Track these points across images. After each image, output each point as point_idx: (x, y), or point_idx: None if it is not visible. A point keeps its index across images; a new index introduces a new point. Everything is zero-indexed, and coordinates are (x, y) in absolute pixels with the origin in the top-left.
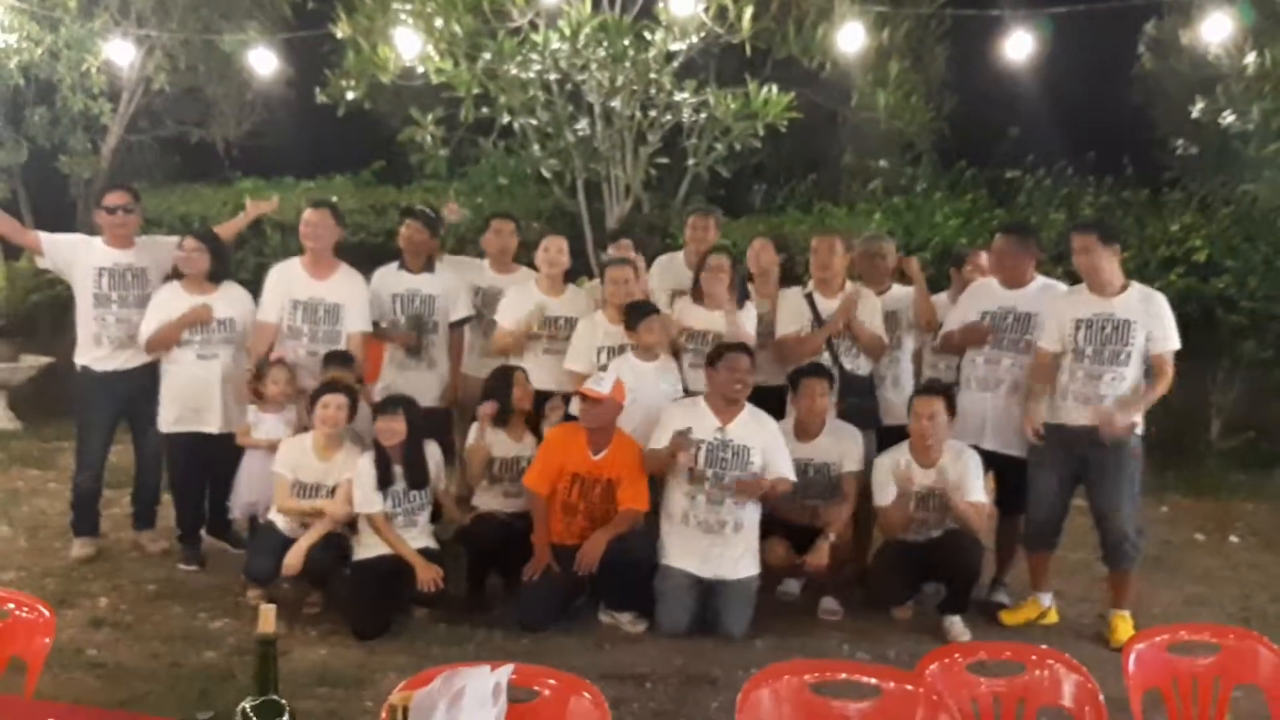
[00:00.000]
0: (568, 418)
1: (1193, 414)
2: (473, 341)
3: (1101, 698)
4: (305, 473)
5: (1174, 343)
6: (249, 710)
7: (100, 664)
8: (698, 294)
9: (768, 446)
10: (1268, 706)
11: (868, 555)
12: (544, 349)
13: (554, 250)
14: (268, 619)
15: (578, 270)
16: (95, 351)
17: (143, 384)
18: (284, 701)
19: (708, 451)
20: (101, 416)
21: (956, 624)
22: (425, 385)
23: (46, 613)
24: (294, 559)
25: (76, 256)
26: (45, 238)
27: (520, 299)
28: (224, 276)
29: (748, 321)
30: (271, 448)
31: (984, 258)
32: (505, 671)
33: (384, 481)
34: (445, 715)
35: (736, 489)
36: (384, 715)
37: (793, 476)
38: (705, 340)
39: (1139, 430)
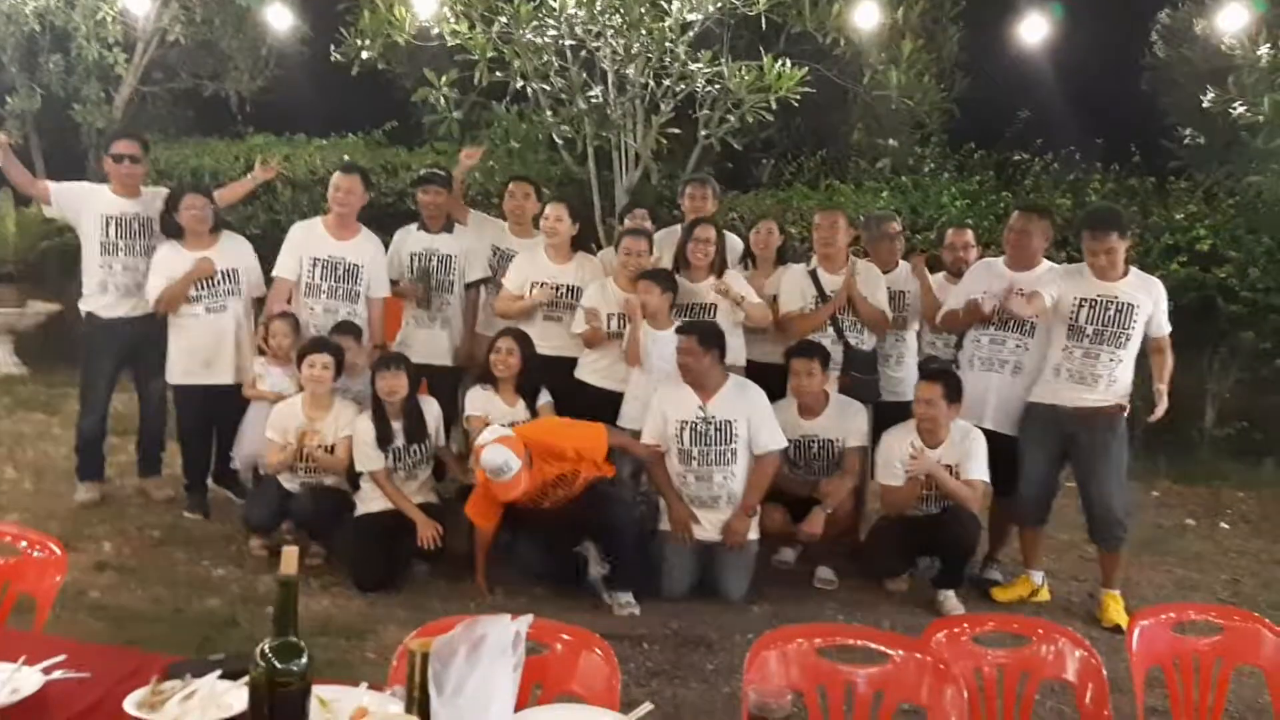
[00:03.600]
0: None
1: (1188, 401)
2: (486, 302)
3: (1105, 673)
4: (298, 435)
5: (1169, 326)
6: (268, 650)
7: (103, 607)
8: (684, 265)
9: (752, 416)
10: (1267, 688)
11: (861, 528)
12: (544, 315)
13: (552, 219)
14: (289, 560)
15: (586, 237)
16: (101, 299)
17: (148, 331)
18: (302, 644)
19: (692, 431)
20: (106, 363)
21: (950, 598)
22: (439, 344)
23: (58, 551)
24: None
25: (85, 204)
26: (53, 187)
27: (526, 264)
28: (220, 226)
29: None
30: (277, 399)
31: (969, 235)
32: (525, 621)
33: (384, 438)
34: (466, 661)
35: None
36: (396, 661)
37: (780, 444)
38: (693, 312)
39: (1125, 412)
